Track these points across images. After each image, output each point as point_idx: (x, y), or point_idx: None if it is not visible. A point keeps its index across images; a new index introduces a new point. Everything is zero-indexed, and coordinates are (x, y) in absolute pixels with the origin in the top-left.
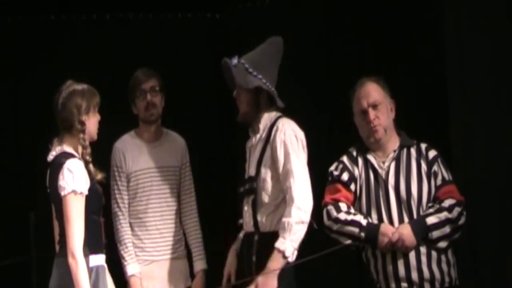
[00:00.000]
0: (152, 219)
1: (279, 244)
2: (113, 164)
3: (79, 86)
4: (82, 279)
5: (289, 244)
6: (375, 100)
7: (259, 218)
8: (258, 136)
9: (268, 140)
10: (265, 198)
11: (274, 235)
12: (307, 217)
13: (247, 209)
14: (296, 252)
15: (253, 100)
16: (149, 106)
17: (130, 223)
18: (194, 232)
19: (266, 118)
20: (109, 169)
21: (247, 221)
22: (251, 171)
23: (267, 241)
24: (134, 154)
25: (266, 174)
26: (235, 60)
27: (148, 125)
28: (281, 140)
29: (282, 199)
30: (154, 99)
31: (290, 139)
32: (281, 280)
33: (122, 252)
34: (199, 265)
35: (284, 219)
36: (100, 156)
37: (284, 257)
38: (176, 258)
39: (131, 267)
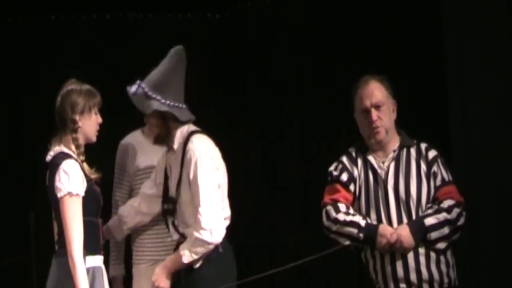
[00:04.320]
0: (153, 219)
1: (182, 248)
2: (116, 161)
3: (79, 86)
4: (81, 282)
5: (189, 254)
6: (378, 101)
7: (185, 237)
8: (175, 155)
9: (183, 160)
10: (188, 219)
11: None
12: (212, 238)
13: (171, 229)
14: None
15: (161, 121)
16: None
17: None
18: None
19: (179, 136)
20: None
21: (174, 238)
22: (172, 191)
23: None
24: (138, 152)
25: (185, 196)
26: (133, 88)
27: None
28: (191, 161)
29: None
30: None
31: (200, 158)
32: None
33: (111, 249)
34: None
35: (191, 230)
36: (101, 156)
37: (182, 262)
38: None
39: (116, 268)
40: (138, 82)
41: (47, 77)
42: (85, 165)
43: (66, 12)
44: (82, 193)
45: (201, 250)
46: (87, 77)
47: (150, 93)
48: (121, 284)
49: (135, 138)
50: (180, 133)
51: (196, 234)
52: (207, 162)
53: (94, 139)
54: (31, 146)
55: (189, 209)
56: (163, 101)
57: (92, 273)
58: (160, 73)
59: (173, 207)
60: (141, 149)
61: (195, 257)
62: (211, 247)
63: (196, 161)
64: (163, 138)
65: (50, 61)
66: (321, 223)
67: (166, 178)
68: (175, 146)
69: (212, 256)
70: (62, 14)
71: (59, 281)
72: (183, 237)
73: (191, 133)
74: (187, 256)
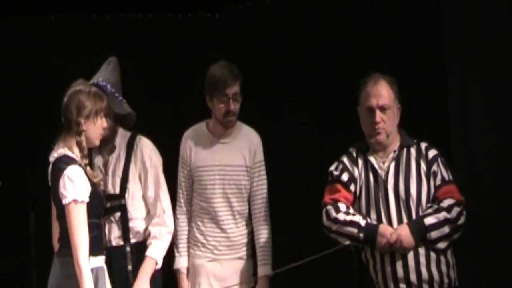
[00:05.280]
0: (215, 218)
1: (152, 252)
2: (180, 154)
3: (87, 88)
4: (85, 287)
5: (160, 253)
6: (385, 104)
7: (130, 231)
8: (115, 155)
9: (129, 158)
10: (135, 213)
11: (144, 244)
12: (174, 227)
13: (112, 225)
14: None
15: (113, 124)
16: (230, 113)
17: (195, 218)
18: (262, 236)
19: (120, 136)
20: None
21: (114, 236)
22: (112, 189)
23: (139, 249)
24: (200, 148)
25: (135, 191)
26: (109, 87)
27: (226, 128)
28: (148, 156)
29: (148, 211)
30: (235, 106)
31: (155, 156)
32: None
33: (175, 243)
34: (263, 270)
35: (157, 228)
36: None
37: (156, 263)
38: (238, 258)
39: (180, 261)
40: (99, 80)
41: (47, 77)
42: (88, 168)
43: (66, 12)
44: (87, 199)
45: (168, 243)
46: (87, 77)
47: (117, 94)
48: (186, 277)
49: (199, 132)
50: (121, 133)
51: (165, 229)
52: (160, 160)
53: (97, 143)
54: (31, 146)
55: (136, 204)
56: (126, 104)
57: (95, 273)
58: (115, 77)
59: (117, 203)
60: (203, 145)
61: (164, 253)
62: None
63: (152, 159)
64: (109, 140)
65: (50, 61)
66: (321, 223)
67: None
68: (117, 144)
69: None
70: (62, 14)
71: (62, 281)
72: (124, 236)
73: (134, 134)
74: (160, 256)
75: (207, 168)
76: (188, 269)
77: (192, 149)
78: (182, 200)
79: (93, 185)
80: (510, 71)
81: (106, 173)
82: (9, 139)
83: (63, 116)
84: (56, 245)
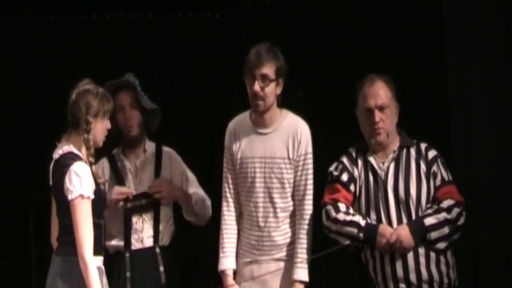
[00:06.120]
0: (254, 214)
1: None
2: (225, 145)
3: (95, 88)
4: (94, 283)
5: (200, 198)
6: (383, 103)
7: (160, 232)
8: (143, 158)
9: (159, 161)
10: (167, 213)
11: (169, 249)
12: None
13: (144, 224)
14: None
15: (142, 122)
16: (256, 96)
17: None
18: (301, 237)
19: (147, 140)
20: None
21: (144, 235)
22: (144, 188)
23: (167, 253)
24: (242, 138)
25: None
26: (136, 81)
27: (256, 113)
28: (177, 161)
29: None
30: (264, 89)
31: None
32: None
33: (220, 243)
34: (297, 274)
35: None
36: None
37: (190, 199)
38: (278, 259)
39: (223, 262)
40: (130, 75)
41: (47, 77)
42: (93, 167)
43: (66, 12)
44: (92, 196)
45: (204, 211)
46: (87, 77)
47: (142, 93)
48: (232, 279)
49: (243, 121)
50: (146, 140)
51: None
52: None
53: (101, 144)
54: (32, 145)
55: (166, 207)
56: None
57: None
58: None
59: (152, 200)
60: (245, 135)
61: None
62: None
63: (180, 160)
64: (139, 141)
65: (49, 61)
66: (321, 223)
67: (120, 178)
68: (147, 148)
69: None
70: (62, 14)
71: (62, 280)
72: (155, 236)
73: (158, 143)
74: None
75: (247, 160)
76: (234, 272)
77: (236, 140)
78: (228, 196)
79: (97, 185)
80: (510, 71)
81: (137, 175)
82: (9, 138)
83: (71, 114)
84: (54, 244)
